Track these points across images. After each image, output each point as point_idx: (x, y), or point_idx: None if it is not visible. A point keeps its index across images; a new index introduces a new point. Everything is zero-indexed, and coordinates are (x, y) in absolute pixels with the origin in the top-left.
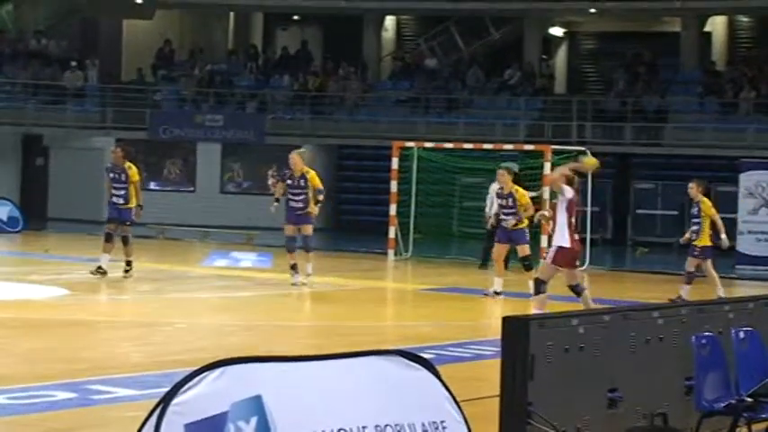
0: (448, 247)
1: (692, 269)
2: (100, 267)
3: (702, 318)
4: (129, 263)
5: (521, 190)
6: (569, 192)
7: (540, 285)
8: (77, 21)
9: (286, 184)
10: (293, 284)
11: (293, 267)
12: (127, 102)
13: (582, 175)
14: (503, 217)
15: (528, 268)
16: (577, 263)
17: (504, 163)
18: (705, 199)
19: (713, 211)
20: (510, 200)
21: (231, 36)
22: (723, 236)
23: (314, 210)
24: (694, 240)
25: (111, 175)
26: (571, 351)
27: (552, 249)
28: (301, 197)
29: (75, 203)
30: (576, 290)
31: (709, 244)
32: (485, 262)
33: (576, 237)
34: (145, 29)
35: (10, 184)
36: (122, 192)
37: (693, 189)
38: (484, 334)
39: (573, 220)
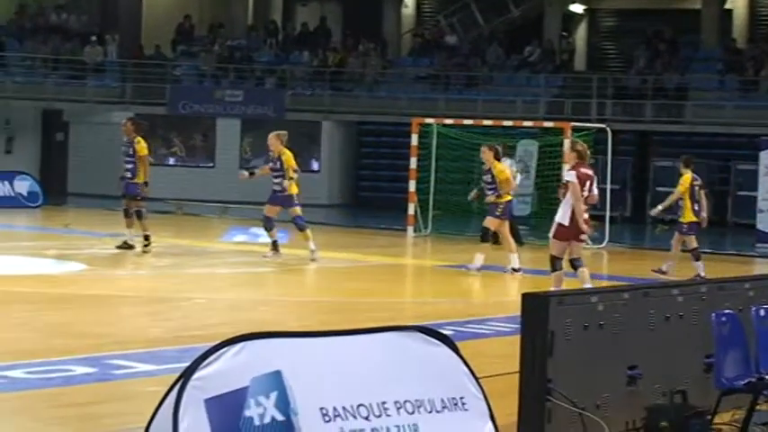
0: (467, 223)
1: (695, 245)
2: (126, 242)
3: (722, 295)
4: (146, 237)
5: (499, 165)
6: (569, 175)
7: (554, 262)
8: None
9: (268, 166)
10: (264, 257)
11: (274, 244)
12: (146, 77)
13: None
14: (486, 193)
15: (482, 239)
16: (582, 237)
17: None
18: (686, 176)
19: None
20: (489, 176)
21: (251, 11)
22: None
23: (292, 189)
24: (679, 218)
25: (123, 148)
26: (590, 328)
27: (554, 225)
28: (279, 179)
29: (95, 178)
30: (574, 264)
31: (694, 219)
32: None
33: (585, 215)
34: (165, 4)
35: (30, 159)
36: (131, 165)
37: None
38: (503, 310)
39: (586, 196)
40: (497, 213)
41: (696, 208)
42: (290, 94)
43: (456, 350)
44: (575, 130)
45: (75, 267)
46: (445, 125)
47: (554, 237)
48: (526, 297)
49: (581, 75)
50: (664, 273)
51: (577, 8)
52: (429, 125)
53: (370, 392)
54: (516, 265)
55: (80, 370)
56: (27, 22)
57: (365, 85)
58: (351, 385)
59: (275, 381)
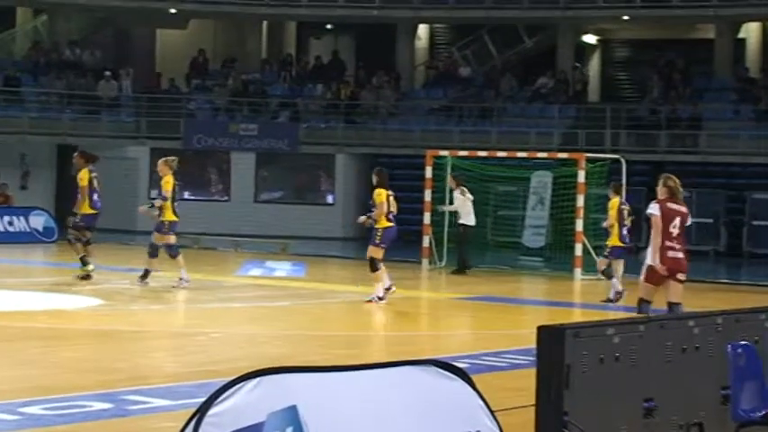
0: (482, 255)
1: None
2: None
3: (738, 326)
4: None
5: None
6: (653, 208)
7: (641, 305)
8: (111, 31)
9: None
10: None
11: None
12: (161, 111)
13: None
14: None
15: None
16: (680, 276)
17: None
18: (613, 200)
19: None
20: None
21: (264, 45)
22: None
23: (166, 215)
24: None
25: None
26: (606, 361)
27: (643, 267)
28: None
29: (110, 213)
30: (672, 309)
31: (618, 244)
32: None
33: (673, 253)
34: (178, 38)
35: (45, 195)
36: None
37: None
38: (518, 343)
39: (672, 232)
40: (375, 241)
41: (624, 232)
42: (304, 128)
43: (471, 384)
44: (589, 160)
45: (91, 302)
46: (459, 157)
47: (645, 280)
48: (542, 330)
49: (595, 105)
50: (612, 300)
51: (590, 39)
52: (443, 157)
53: (386, 427)
54: (381, 293)
55: (97, 406)
56: (41, 58)
57: (379, 118)
58: (367, 420)
59: (291, 416)
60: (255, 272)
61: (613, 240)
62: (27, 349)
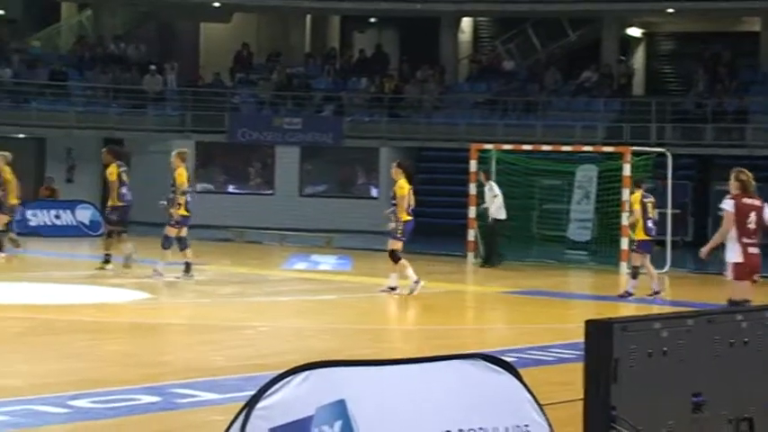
0: (527, 249)
1: (638, 263)
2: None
3: None
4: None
5: (400, 183)
6: (727, 204)
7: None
8: (156, 25)
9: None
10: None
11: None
12: (206, 105)
13: None
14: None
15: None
16: (755, 277)
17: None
18: (635, 194)
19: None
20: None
21: (308, 39)
22: None
23: (174, 211)
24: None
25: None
26: (654, 355)
27: (729, 267)
28: (171, 196)
29: (156, 207)
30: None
31: (645, 237)
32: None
33: (751, 249)
34: (223, 32)
35: (92, 188)
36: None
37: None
38: (565, 337)
39: (749, 228)
40: (396, 235)
41: (649, 225)
42: (348, 121)
43: (519, 377)
44: (634, 154)
45: (137, 296)
46: (504, 151)
47: (735, 278)
48: (589, 324)
49: (640, 99)
50: (657, 293)
51: (635, 32)
52: (487, 151)
53: (435, 421)
54: (393, 284)
55: (144, 399)
56: (87, 53)
57: (423, 112)
58: (415, 414)
59: (340, 410)
60: (301, 265)
61: (639, 234)
62: (74, 342)
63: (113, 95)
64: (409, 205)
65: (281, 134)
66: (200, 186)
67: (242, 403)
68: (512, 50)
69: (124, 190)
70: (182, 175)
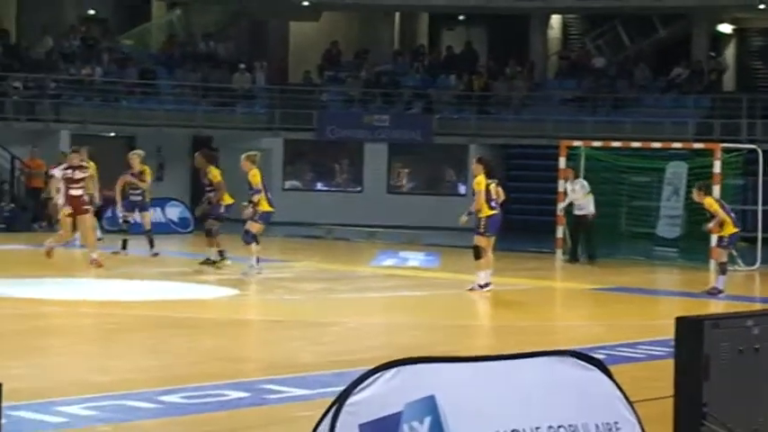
0: (616, 246)
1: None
2: (208, 259)
3: None
4: (221, 252)
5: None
6: None
7: None
8: (245, 23)
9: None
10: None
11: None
12: (294, 103)
13: None
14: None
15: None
16: None
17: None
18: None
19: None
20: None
21: (397, 36)
22: None
23: (262, 205)
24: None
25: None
26: (746, 352)
27: None
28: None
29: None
30: None
31: (735, 230)
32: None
33: None
34: (312, 31)
35: (181, 186)
36: (211, 193)
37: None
38: (654, 334)
39: None
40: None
41: (734, 217)
42: (436, 118)
43: (609, 374)
44: (725, 151)
45: (226, 292)
46: (593, 148)
47: None
48: (680, 321)
49: (730, 95)
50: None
51: (726, 28)
52: (577, 148)
53: (524, 418)
54: (482, 282)
55: (233, 394)
56: (176, 51)
57: (512, 108)
58: (504, 410)
59: (429, 406)
60: (389, 262)
61: (729, 229)
62: (164, 338)
63: (202, 93)
64: (493, 199)
65: (370, 131)
66: (288, 184)
67: (330, 399)
68: (601, 47)
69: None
70: (255, 176)
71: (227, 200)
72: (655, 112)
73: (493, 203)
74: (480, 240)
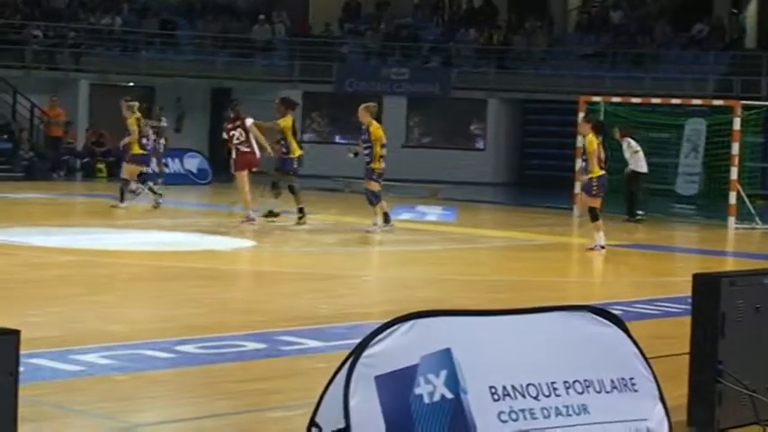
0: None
1: None
2: (271, 211)
3: None
4: (300, 210)
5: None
6: None
7: None
8: None
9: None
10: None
11: (386, 216)
12: (314, 55)
13: None
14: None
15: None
16: None
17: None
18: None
19: None
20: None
21: None
22: None
23: (376, 164)
24: None
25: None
26: (762, 310)
27: None
28: (368, 151)
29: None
30: None
31: None
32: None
33: None
34: None
35: (200, 137)
36: (284, 142)
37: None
38: (671, 291)
39: None
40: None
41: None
42: (455, 72)
43: (626, 330)
44: (744, 108)
45: (243, 244)
46: (612, 103)
47: None
48: (697, 277)
49: (751, 53)
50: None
51: None
52: (596, 103)
53: (540, 372)
54: (602, 242)
55: (250, 346)
56: (196, 2)
57: (531, 63)
58: (520, 364)
59: (445, 359)
60: (406, 216)
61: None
62: (181, 289)
63: (222, 45)
64: (601, 159)
65: (389, 84)
66: (306, 136)
67: (346, 351)
68: (621, 2)
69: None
70: (378, 128)
71: (297, 151)
72: (674, 68)
73: (603, 164)
74: (594, 202)
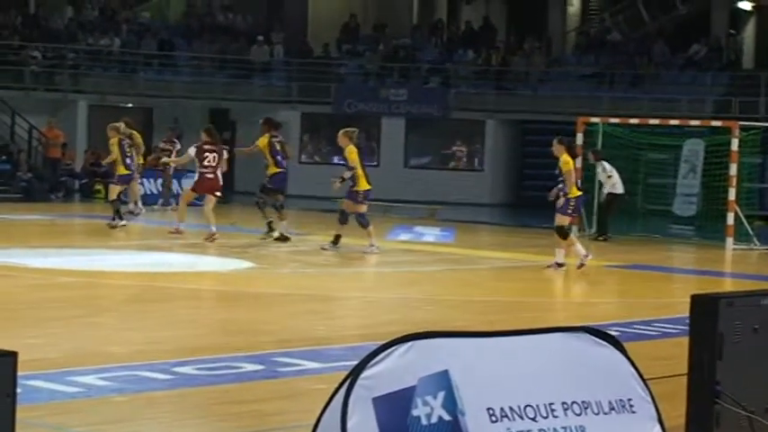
0: (633, 223)
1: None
2: (282, 234)
3: None
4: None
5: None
6: None
7: None
8: None
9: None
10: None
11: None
12: (312, 76)
13: None
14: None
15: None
16: None
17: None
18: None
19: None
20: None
21: (415, 11)
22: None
23: (360, 185)
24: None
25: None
26: (760, 331)
27: None
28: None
29: (262, 177)
30: None
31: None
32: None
33: None
34: (330, 4)
35: None
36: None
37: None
38: (669, 312)
39: None
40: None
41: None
42: (454, 93)
43: (623, 351)
44: (742, 129)
45: (241, 265)
46: (611, 124)
47: None
48: (695, 298)
49: (749, 73)
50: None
51: (746, 5)
52: (594, 124)
53: (538, 393)
54: (561, 260)
55: (248, 367)
56: (195, 23)
57: (529, 84)
58: (518, 386)
59: (443, 380)
60: (405, 237)
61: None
62: (179, 310)
63: (220, 65)
64: (578, 179)
65: (387, 105)
66: (304, 157)
67: (345, 373)
68: (620, 22)
69: (279, 158)
70: (352, 152)
71: (273, 169)
72: (673, 89)
73: (579, 183)
74: (565, 220)
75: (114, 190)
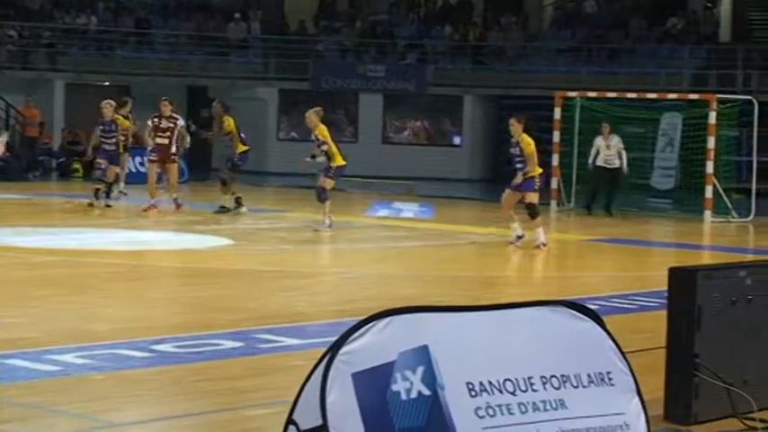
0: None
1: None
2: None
3: None
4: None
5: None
6: None
7: None
8: None
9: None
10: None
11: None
12: (289, 53)
13: None
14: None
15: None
16: None
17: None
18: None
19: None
20: (518, 149)
21: None
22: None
23: (335, 160)
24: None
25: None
26: (738, 303)
27: None
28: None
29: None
30: None
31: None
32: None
33: None
34: None
35: None
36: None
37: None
38: (648, 285)
39: None
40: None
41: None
42: (431, 69)
43: (602, 325)
44: (720, 102)
45: (220, 242)
46: (588, 98)
47: None
48: (673, 271)
49: (726, 46)
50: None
51: None
52: (572, 98)
53: (517, 367)
54: (520, 233)
55: (227, 344)
56: (172, 1)
57: (507, 59)
58: (497, 360)
59: (422, 355)
60: (383, 213)
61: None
62: (157, 288)
63: (197, 43)
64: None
65: (365, 81)
66: (282, 134)
67: (324, 349)
68: None
69: (243, 136)
70: (323, 130)
71: (242, 148)
72: (650, 62)
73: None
74: (535, 197)
75: (113, 171)
